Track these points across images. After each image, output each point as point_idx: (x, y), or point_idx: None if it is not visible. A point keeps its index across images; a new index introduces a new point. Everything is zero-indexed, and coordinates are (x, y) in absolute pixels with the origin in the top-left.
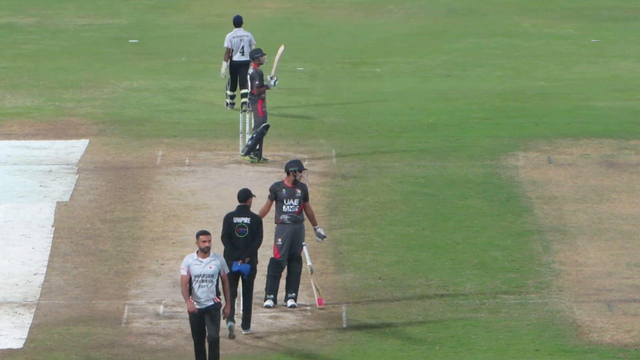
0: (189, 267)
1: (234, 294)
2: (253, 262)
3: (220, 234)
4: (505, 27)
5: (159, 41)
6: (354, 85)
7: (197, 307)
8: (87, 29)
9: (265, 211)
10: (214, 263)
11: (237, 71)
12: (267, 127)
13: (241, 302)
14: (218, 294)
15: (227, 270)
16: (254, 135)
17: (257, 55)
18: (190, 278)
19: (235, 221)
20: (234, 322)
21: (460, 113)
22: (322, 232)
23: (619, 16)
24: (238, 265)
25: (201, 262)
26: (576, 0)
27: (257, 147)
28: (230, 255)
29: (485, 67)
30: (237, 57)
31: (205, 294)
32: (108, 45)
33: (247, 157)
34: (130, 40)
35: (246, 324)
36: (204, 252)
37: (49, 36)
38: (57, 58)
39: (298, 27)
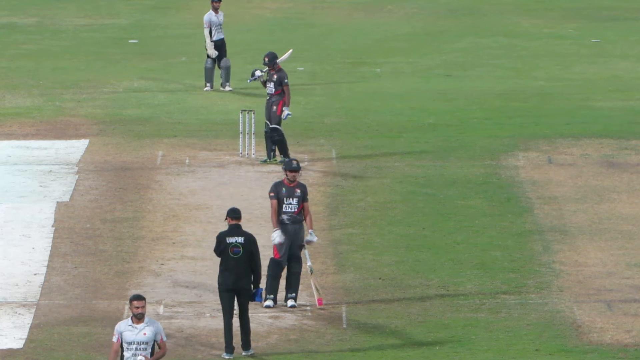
0: (120, 333)
1: (229, 314)
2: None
3: (213, 245)
4: (505, 27)
5: (159, 41)
6: (354, 85)
7: None
8: (87, 29)
9: (275, 213)
10: (149, 329)
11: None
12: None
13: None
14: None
15: (164, 337)
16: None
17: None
18: (122, 346)
19: (228, 241)
20: (231, 354)
21: (460, 113)
22: (311, 238)
23: (619, 16)
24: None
25: (135, 328)
26: (576, 0)
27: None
28: (222, 276)
29: (485, 67)
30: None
31: None
32: (108, 45)
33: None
34: (130, 40)
35: (246, 345)
36: (138, 318)
37: (49, 36)
38: (57, 58)
39: (298, 27)
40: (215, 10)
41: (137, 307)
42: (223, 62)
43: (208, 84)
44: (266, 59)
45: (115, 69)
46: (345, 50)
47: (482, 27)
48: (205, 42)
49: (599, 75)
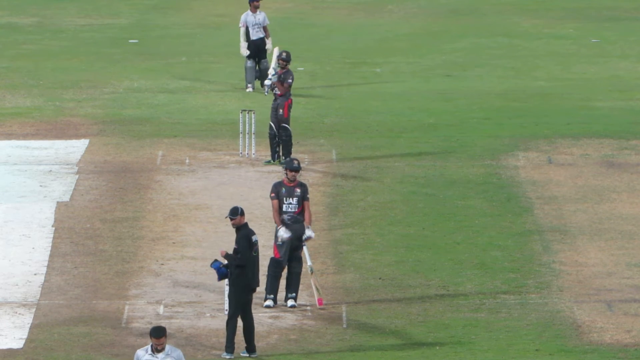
0: None
1: (238, 314)
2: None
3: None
4: (505, 27)
5: (159, 41)
6: (354, 85)
7: None
8: (87, 29)
9: (277, 212)
10: (170, 359)
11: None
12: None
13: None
14: None
15: None
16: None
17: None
18: None
19: (254, 240)
20: (232, 353)
21: (460, 113)
22: (309, 232)
23: (619, 16)
24: (219, 266)
25: (156, 357)
26: (576, 0)
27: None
28: (248, 276)
29: (485, 67)
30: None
31: None
32: (108, 45)
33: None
34: (130, 40)
35: (253, 347)
36: (158, 351)
37: (49, 36)
38: (57, 58)
39: (298, 27)
40: (255, 9)
41: (158, 344)
42: (262, 64)
43: (249, 85)
44: (284, 54)
45: (115, 69)
46: (345, 50)
47: (482, 27)
48: (240, 41)
49: (599, 75)
